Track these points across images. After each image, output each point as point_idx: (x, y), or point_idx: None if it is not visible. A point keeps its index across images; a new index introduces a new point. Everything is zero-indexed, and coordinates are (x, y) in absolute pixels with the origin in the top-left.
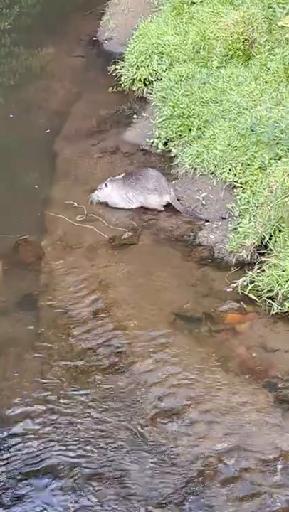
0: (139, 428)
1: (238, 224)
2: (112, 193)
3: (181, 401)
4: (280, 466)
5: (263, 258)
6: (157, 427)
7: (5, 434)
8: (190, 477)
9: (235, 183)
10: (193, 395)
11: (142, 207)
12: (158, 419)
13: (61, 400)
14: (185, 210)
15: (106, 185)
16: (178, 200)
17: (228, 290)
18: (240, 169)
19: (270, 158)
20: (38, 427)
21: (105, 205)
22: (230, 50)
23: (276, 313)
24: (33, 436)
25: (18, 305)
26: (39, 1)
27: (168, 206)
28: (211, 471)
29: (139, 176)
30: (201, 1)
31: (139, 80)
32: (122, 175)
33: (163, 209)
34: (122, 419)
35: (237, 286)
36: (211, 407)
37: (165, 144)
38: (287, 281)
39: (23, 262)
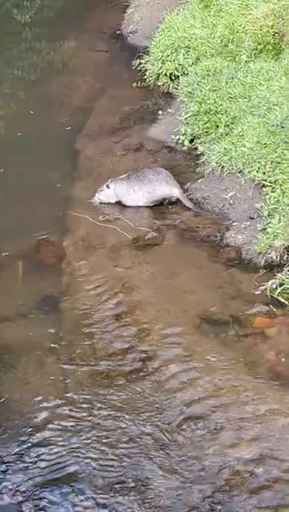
0: (165, 435)
1: (267, 224)
2: (117, 191)
3: (207, 407)
4: None
5: None
6: (183, 434)
7: (26, 440)
8: (217, 486)
9: (264, 182)
10: (220, 401)
11: (159, 204)
12: (184, 426)
13: (84, 406)
14: (195, 207)
15: (107, 186)
16: (204, 199)
17: (256, 293)
18: (269, 167)
19: None
20: (59, 432)
21: (121, 205)
22: (260, 44)
23: None
24: (54, 442)
25: (39, 307)
26: None
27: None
28: (239, 480)
29: (146, 171)
30: None
31: (165, 74)
32: (126, 174)
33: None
34: (147, 425)
35: (266, 289)
36: (239, 413)
37: (191, 141)
38: None
39: (44, 263)
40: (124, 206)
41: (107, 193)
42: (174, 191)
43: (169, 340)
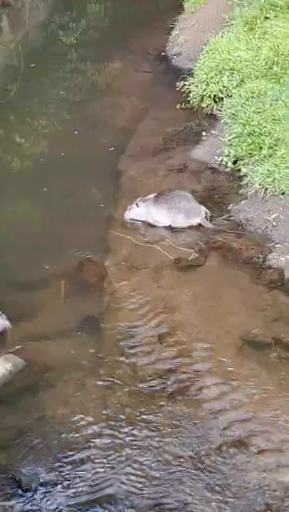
0: (204, 457)
1: None
2: (145, 211)
3: (248, 430)
4: None
5: None
6: (223, 457)
7: (65, 460)
8: (256, 511)
9: None
10: (261, 424)
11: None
12: (224, 449)
13: (123, 427)
14: (215, 228)
15: (137, 204)
16: (247, 220)
17: None
18: None
19: None
20: (98, 453)
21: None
22: None
23: None
24: (93, 462)
25: (80, 326)
26: (107, 15)
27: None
28: (279, 504)
29: (170, 196)
30: (275, 16)
31: (209, 96)
32: (154, 195)
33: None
34: (187, 447)
35: None
36: (280, 437)
37: (234, 162)
38: None
39: (86, 282)
40: (169, 226)
41: (136, 211)
42: (194, 220)
43: (210, 362)
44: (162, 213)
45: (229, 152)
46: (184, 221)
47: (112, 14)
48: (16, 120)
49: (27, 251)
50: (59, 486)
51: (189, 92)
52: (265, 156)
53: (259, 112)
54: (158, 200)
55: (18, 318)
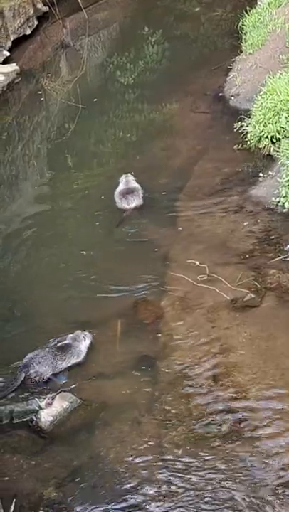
0: (261, 500)
1: None
2: None
3: None
4: None
5: None
6: (281, 499)
7: (119, 500)
8: None
9: None
10: None
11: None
12: (281, 491)
13: (178, 467)
14: None
15: None
16: None
17: None
18: None
19: None
20: (152, 494)
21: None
22: None
23: None
24: (147, 504)
25: (136, 366)
26: (164, 56)
27: None
28: None
29: None
30: None
31: (266, 137)
32: None
33: None
34: (242, 489)
35: None
36: None
37: None
38: None
39: (142, 322)
40: (223, 266)
41: None
42: None
43: (265, 403)
44: None
45: (286, 193)
46: None
47: (170, 55)
48: (73, 159)
49: (85, 291)
50: None
51: (246, 132)
52: None
53: None
54: None
55: None
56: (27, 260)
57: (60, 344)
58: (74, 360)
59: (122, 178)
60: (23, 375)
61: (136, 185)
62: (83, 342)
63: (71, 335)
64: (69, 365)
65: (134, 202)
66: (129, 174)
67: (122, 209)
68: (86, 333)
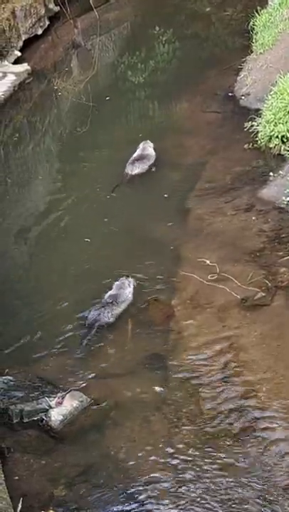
0: (271, 500)
1: None
2: None
3: None
4: None
5: None
6: None
7: (130, 498)
8: None
9: None
10: None
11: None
12: None
13: (188, 466)
14: None
15: None
16: None
17: None
18: None
19: None
20: (162, 493)
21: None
22: None
23: None
24: (157, 502)
25: (146, 365)
26: (175, 56)
27: None
28: None
29: None
30: None
31: (277, 136)
32: None
33: None
34: (252, 488)
35: None
36: None
37: None
38: None
39: (153, 321)
40: (234, 264)
41: None
42: None
43: (276, 402)
44: None
45: None
46: None
47: (180, 55)
48: (85, 156)
49: (96, 290)
50: None
51: (257, 132)
52: None
53: None
54: None
55: (86, 356)
56: (48, 253)
57: (111, 294)
58: (126, 304)
59: (140, 145)
60: (96, 327)
61: (149, 152)
62: (128, 288)
63: (117, 282)
64: (124, 308)
65: (137, 169)
66: (148, 141)
67: (125, 174)
68: (130, 279)
